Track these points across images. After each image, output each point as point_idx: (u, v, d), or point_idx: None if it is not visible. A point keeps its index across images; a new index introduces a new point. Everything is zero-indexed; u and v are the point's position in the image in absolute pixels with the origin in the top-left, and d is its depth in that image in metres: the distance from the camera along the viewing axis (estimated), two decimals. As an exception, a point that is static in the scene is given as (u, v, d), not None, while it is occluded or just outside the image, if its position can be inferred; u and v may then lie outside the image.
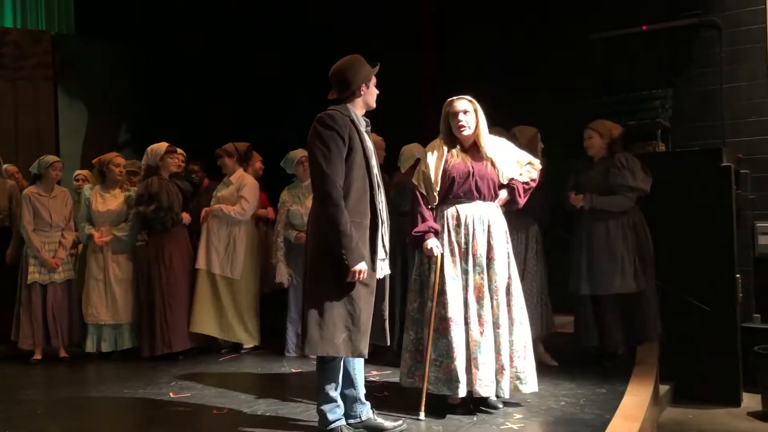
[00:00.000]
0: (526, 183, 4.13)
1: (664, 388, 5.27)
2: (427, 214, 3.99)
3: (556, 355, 5.25)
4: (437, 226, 3.98)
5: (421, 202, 4.01)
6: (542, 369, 4.70)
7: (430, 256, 3.95)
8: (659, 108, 6.19)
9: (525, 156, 4.22)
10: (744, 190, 6.02)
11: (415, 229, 3.97)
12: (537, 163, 4.23)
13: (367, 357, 3.55)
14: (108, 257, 6.00)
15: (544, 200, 5.09)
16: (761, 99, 6.18)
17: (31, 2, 8.69)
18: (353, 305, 3.46)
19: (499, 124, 4.69)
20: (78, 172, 6.95)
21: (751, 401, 5.41)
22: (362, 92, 3.62)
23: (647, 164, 5.25)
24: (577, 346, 5.37)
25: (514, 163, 4.13)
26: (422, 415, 3.86)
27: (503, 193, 4.09)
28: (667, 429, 4.98)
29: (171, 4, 8.98)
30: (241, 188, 6.05)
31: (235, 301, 6.01)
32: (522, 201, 4.13)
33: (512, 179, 4.09)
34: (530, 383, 4.01)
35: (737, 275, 5.53)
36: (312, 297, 3.49)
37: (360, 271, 3.41)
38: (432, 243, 3.92)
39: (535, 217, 5.16)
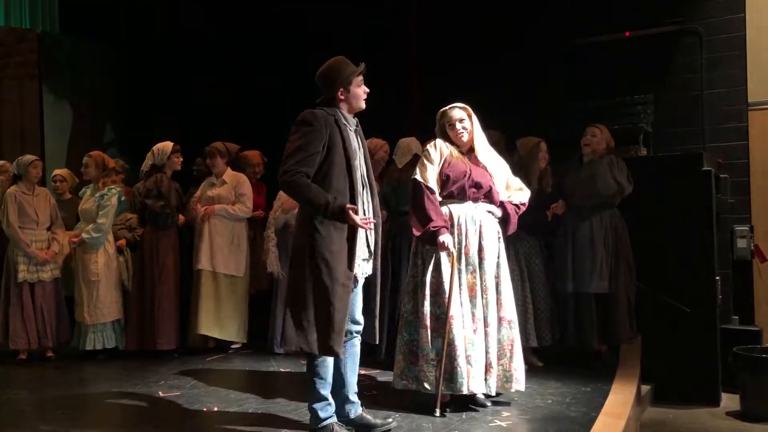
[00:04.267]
0: (517, 207, 4.18)
1: (645, 389, 5.37)
2: (439, 208, 3.96)
3: (541, 355, 5.32)
4: (447, 222, 3.97)
5: (430, 196, 3.95)
6: (529, 369, 4.78)
7: (444, 252, 3.92)
8: (641, 113, 6.29)
9: (515, 181, 4.27)
10: (723, 194, 6.15)
11: (432, 224, 3.90)
12: (526, 190, 4.28)
13: (341, 357, 3.52)
14: (79, 257, 5.98)
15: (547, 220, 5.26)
16: (740, 105, 6.32)
17: (14, 1, 8.63)
18: (329, 304, 3.44)
19: (485, 129, 4.75)
20: (56, 172, 6.84)
21: (729, 401, 5.53)
22: (347, 91, 3.62)
23: (629, 168, 5.36)
24: (562, 346, 5.40)
25: (503, 183, 4.18)
26: (438, 413, 3.90)
27: (496, 212, 4.13)
28: (648, 428, 5.06)
29: (155, 5, 8.97)
30: (238, 187, 6.08)
31: (234, 299, 6.03)
32: (514, 223, 4.16)
33: (505, 201, 4.14)
34: (518, 382, 4.07)
35: (717, 277, 5.65)
36: (291, 294, 3.53)
37: (354, 209, 3.45)
38: (447, 239, 3.89)
39: (535, 235, 5.29)
